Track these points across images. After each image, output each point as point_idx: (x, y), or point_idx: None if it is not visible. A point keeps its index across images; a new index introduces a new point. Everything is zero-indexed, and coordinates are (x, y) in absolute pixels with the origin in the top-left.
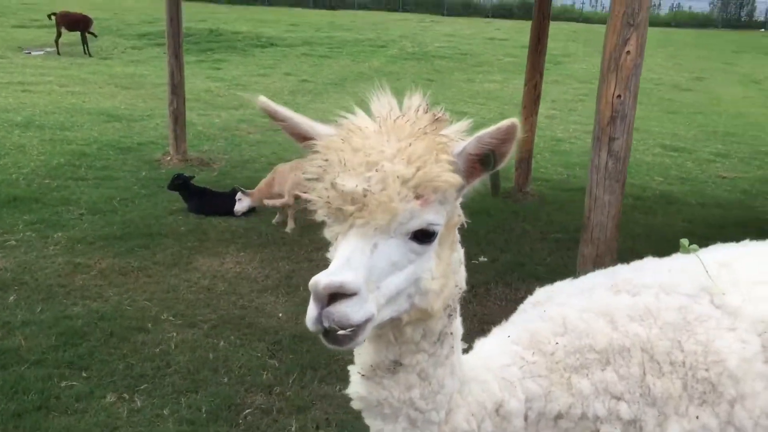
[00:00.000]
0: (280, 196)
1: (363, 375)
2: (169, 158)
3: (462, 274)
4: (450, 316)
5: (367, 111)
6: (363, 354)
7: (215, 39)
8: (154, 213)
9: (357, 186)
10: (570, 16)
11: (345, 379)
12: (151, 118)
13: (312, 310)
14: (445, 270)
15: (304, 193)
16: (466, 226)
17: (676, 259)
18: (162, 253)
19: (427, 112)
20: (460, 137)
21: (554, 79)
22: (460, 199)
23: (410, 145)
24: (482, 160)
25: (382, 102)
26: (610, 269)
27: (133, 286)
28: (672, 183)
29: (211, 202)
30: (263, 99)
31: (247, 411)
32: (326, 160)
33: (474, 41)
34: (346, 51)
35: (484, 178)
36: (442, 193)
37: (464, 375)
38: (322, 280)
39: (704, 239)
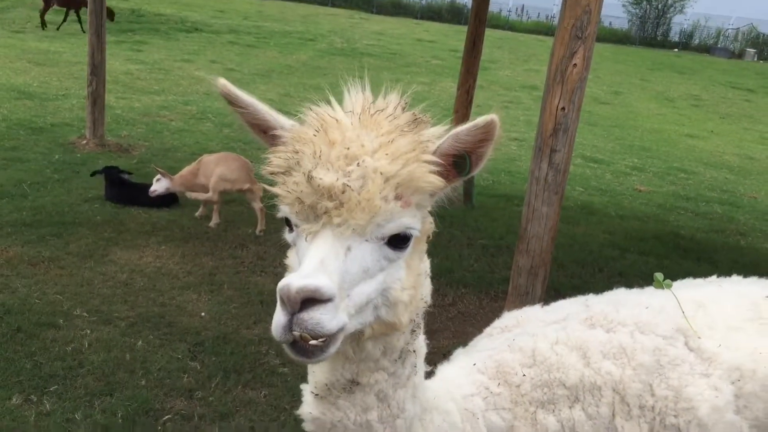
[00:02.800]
0: (203, 188)
1: (316, 395)
2: (84, 142)
3: (428, 287)
4: (413, 331)
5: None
6: (317, 372)
7: (137, 20)
8: (67, 200)
9: (337, 180)
10: (496, 23)
11: (271, 384)
12: (66, 98)
13: (280, 317)
14: (415, 280)
15: (268, 185)
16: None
17: (653, 296)
18: (76, 243)
19: (404, 111)
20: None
21: (479, 85)
22: (428, 208)
23: (392, 141)
24: (457, 163)
25: (357, 97)
26: (583, 299)
27: (43, 277)
28: (592, 194)
29: (131, 192)
30: (223, 82)
31: (166, 417)
32: (296, 153)
33: (403, 41)
34: (274, 42)
35: (457, 184)
36: (421, 196)
37: (426, 401)
38: (294, 283)
39: (624, 251)
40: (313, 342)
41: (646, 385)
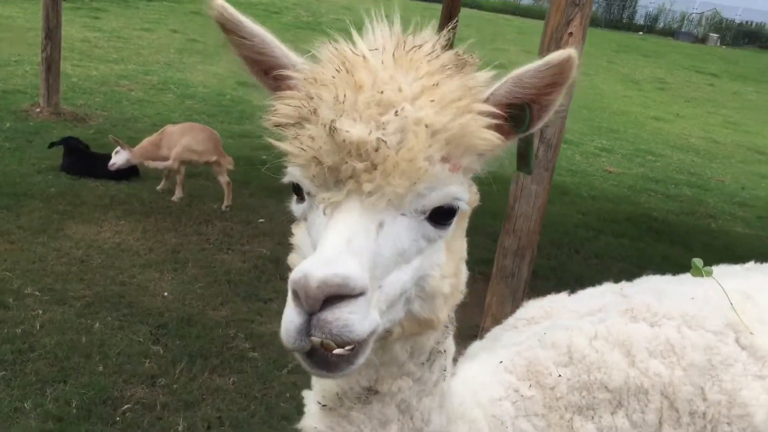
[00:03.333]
0: (166, 160)
1: (324, 405)
2: (38, 110)
3: (465, 274)
4: (446, 327)
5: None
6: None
7: None
8: (19, 170)
9: (369, 134)
10: (464, 2)
11: (240, 371)
12: (19, 65)
13: (294, 318)
14: (457, 266)
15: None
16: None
17: (695, 285)
18: (28, 216)
19: (445, 50)
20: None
21: None
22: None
23: (437, 85)
24: (513, 116)
25: (385, 32)
26: (617, 286)
27: None
28: (563, 174)
29: (89, 163)
30: (221, 2)
31: (125, 406)
32: (312, 98)
33: (372, 18)
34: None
35: (511, 143)
36: (472, 157)
37: (453, 410)
38: (316, 272)
39: (598, 232)
40: (338, 351)
41: (697, 389)
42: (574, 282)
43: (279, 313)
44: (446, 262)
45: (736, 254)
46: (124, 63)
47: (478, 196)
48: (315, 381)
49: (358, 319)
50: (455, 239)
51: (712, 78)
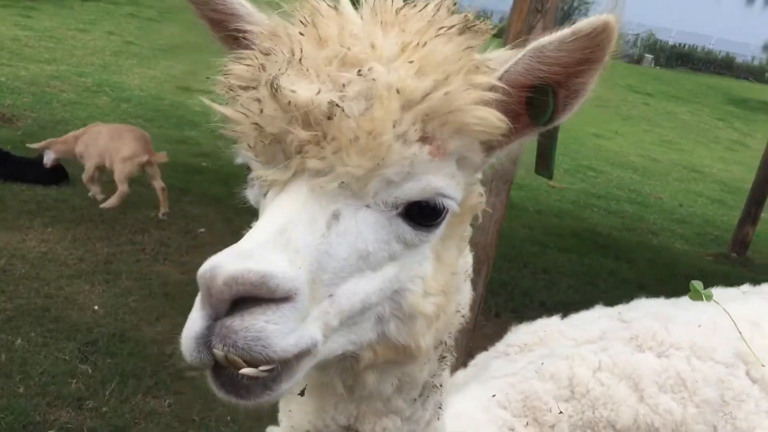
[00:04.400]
0: (78, 157)
1: None
2: None
3: (467, 293)
4: (443, 358)
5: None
6: (295, 412)
7: None
8: None
9: (318, 94)
10: None
11: (177, 392)
12: None
13: (195, 322)
14: (447, 283)
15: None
16: (480, 218)
17: (701, 311)
18: None
19: (452, 14)
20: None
21: None
22: (479, 174)
23: (424, 44)
24: (532, 102)
25: None
26: (614, 310)
27: None
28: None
29: (14, 166)
30: None
31: (49, 431)
32: (268, 55)
33: None
34: (180, 18)
35: (528, 138)
36: (464, 143)
37: None
38: (226, 264)
39: (545, 246)
40: (246, 371)
41: (710, 428)
42: (523, 297)
43: None
44: (432, 276)
45: (679, 270)
46: (56, 63)
47: (484, 199)
48: (283, 414)
49: (277, 331)
50: (447, 248)
51: (647, 97)
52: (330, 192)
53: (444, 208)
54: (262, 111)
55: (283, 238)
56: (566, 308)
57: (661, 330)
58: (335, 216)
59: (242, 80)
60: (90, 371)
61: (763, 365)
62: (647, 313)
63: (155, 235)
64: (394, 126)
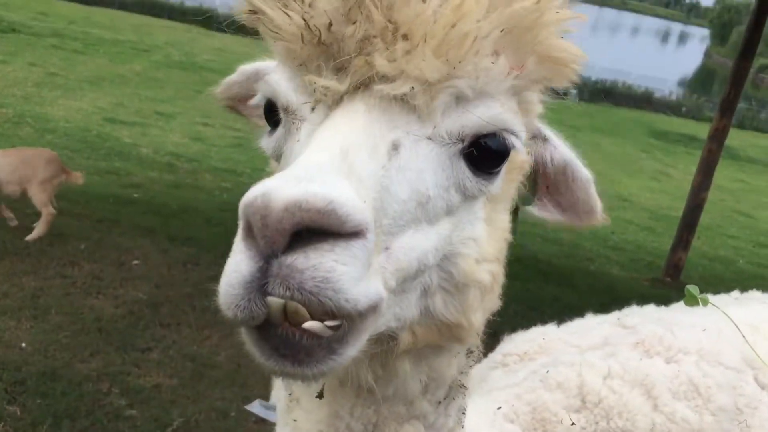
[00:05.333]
0: None
1: None
2: None
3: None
4: (470, 353)
5: None
6: (304, 421)
7: None
8: None
9: None
10: None
11: None
12: None
13: (241, 264)
14: (501, 249)
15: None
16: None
17: (702, 315)
18: None
19: None
20: None
21: None
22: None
23: None
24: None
25: None
26: (612, 317)
27: None
28: None
29: None
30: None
31: None
32: None
33: (247, 59)
34: (104, 50)
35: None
36: (544, 75)
37: None
38: (283, 189)
39: None
40: (311, 325)
41: None
42: None
43: (160, 364)
44: (487, 239)
45: (619, 295)
46: None
47: (531, 160)
48: (284, 427)
49: (347, 273)
50: (498, 210)
51: (574, 131)
52: (391, 112)
53: (508, 148)
54: (312, 2)
55: (345, 163)
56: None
57: (667, 334)
58: (395, 146)
59: None
60: (18, 413)
61: None
62: (649, 318)
63: (86, 268)
64: (476, 21)
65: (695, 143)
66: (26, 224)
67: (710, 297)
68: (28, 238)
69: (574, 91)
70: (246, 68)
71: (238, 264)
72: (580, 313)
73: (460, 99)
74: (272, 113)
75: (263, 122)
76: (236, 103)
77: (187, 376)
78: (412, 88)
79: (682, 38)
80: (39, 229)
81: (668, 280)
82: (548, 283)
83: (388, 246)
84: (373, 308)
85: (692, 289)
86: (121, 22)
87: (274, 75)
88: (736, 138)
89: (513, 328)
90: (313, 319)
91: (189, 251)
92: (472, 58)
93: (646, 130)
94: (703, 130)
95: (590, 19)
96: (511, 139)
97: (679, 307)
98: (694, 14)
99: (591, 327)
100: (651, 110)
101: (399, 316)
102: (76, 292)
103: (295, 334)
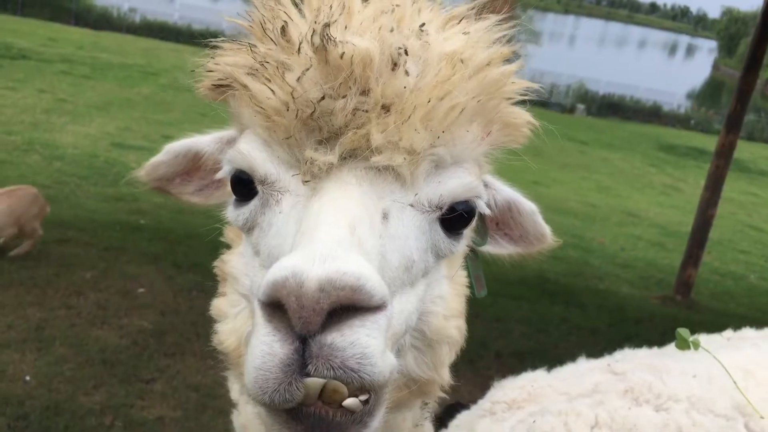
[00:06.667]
0: None
1: None
2: None
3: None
4: (425, 404)
5: None
6: None
7: None
8: None
9: (382, 48)
10: None
11: None
12: None
13: (275, 347)
14: (462, 303)
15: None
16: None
17: (693, 361)
18: None
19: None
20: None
21: None
22: None
23: (468, 27)
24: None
25: None
26: (602, 362)
27: None
28: None
29: None
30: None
31: None
32: (277, 19)
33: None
34: (112, 74)
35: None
36: (504, 140)
37: None
38: (313, 267)
39: (495, 295)
40: (351, 402)
41: None
42: (478, 347)
43: (164, 395)
44: (452, 296)
45: (628, 314)
46: None
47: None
48: None
49: (378, 347)
50: (455, 266)
51: (582, 146)
52: (378, 182)
53: (475, 210)
54: (299, 79)
55: (355, 237)
56: (521, 357)
57: (657, 381)
58: (385, 215)
59: (240, 68)
60: None
61: (762, 417)
62: (639, 364)
63: (91, 298)
64: (460, 92)
65: (704, 156)
66: (32, 252)
67: (702, 338)
68: (12, 253)
69: (582, 106)
70: (174, 146)
71: (271, 347)
72: (588, 333)
73: (438, 167)
74: (243, 185)
75: (210, 198)
76: (164, 184)
77: (191, 408)
78: (404, 158)
79: (690, 51)
80: (24, 247)
81: (678, 297)
82: (555, 303)
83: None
84: (392, 376)
85: (683, 332)
86: (130, 46)
87: (244, 145)
88: (745, 150)
89: (521, 351)
90: (351, 394)
91: (194, 278)
92: (455, 127)
93: (654, 144)
94: (712, 143)
95: (596, 33)
96: (478, 202)
97: (671, 348)
98: (701, 27)
99: (581, 373)
100: (659, 124)
101: None
102: (80, 322)
103: (328, 413)
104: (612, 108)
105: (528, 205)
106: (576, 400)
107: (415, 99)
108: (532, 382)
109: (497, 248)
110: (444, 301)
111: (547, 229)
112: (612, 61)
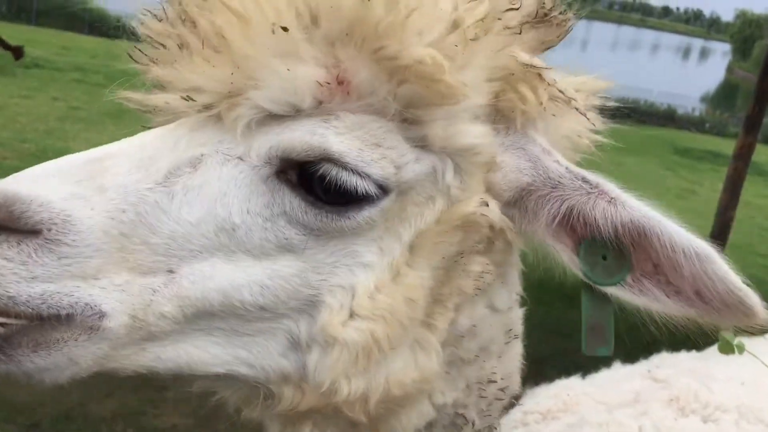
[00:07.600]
0: None
1: None
2: None
3: (513, 359)
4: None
5: None
6: None
7: None
8: None
9: None
10: None
11: None
12: None
13: None
14: (396, 307)
15: None
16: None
17: (739, 365)
18: None
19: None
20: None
21: None
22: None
23: None
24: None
25: None
26: (643, 368)
27: None
28: None
29: None
30: None
31: None
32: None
33: None
34: (128, 82)
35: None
36: (392, 86)
37: None
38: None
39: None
40: None
41: None
42: None
43: (177, 402)
44: (370, 292)
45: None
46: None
47: (494, 215)
48: None
49: (12, 271)
50: (415, 265)
51: (596, 150)
52: (206, 130)
53: (343, 182)
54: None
55: (93, 168)
56: (540, 363)
57: (703, 389)
58: (192, 163)
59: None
60: None
61: None
62: (682, 369)
63: None
64: (273, 27)
65: (720, 159)
66: None
67: (746, 341)
68: None
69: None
70: None
71: None
72: None
73: (276, 117)
74: None
75: None
76: None
77: (203, 416)
78: (188, 97)
79: (704, 54)
80: None
81: None
82: (573, 307)
83: (173, 269)
84: (74, 318)
85: (727, 335)
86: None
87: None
88: (764, 153)
89: (540, 357)
90: None
91: None
92: (271, 64)
93: (670, 148)
94: (727, 146)
95: (609, 37)
96: (341, 175)
97: (712, 351)
98: (714, 29)
99: (619, 380)
100: (674, 127)
101: (248, 361)
102: None
103: None
104: (626, 112)
105: (685, 240)
106: (617, 410)
107: (213, 29)
108: (567, 390)
109: (648, 301)
110: (348, 294)
111: (747, 293)
112: (625, 65)
